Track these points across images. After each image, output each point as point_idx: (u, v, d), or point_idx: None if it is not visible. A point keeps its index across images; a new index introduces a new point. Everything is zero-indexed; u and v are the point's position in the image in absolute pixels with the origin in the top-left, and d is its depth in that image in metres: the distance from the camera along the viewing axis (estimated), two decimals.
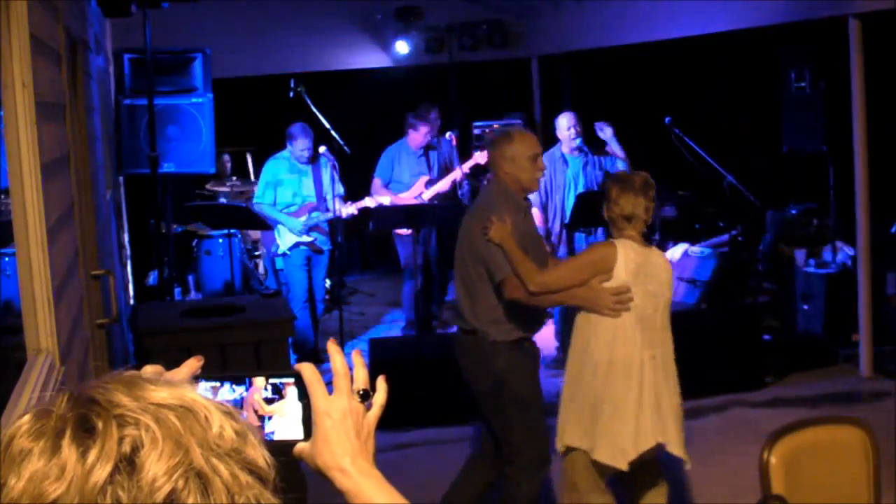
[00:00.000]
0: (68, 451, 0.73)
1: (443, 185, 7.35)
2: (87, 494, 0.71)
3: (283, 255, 7.05)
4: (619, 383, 3.69)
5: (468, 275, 4.03)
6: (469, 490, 4.29)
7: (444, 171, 7.49)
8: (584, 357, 3.79)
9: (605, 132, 7.01)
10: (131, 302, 6.97)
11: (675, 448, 3.76)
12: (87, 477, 0.72)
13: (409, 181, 7.35)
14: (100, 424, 0.74)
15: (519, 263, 3.75)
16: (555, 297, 3.83)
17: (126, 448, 0.73)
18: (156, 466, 0.73)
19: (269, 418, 1.16)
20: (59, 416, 0.75)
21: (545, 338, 7.61)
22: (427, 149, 7.43)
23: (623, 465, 3.69)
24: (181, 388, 0.81)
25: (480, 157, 7.27)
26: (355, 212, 7.04)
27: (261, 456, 0.80)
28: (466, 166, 7.37)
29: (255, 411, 1.15)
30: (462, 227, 4.07)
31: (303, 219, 6.96)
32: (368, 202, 7.07)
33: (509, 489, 4.11)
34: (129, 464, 0.73)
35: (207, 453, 0.75)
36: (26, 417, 0.77)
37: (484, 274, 3.95)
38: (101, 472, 0.72)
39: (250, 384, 1.16)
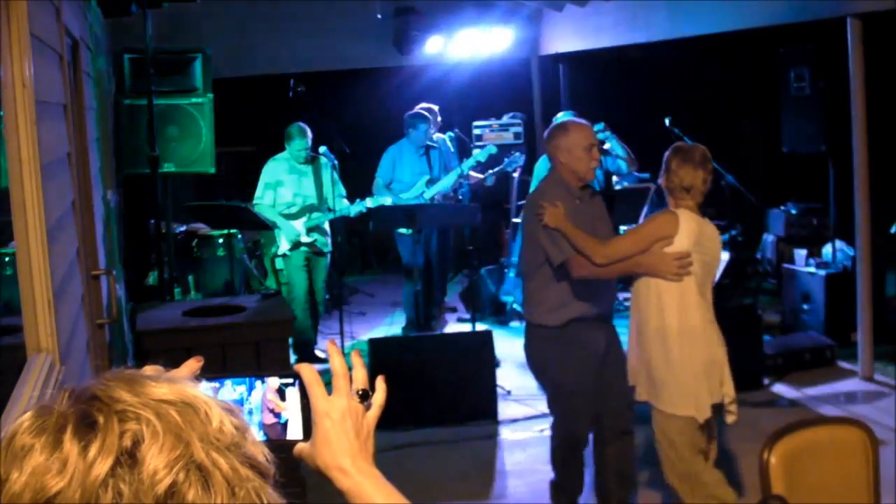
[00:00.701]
0: (70, 445, 0.74)
1: (444, 184, 7.34)
2: (88, 488, 0.72)
3: (283, 255, 7.05)
4: (688, 346, 3.83)
5: (524, 263, 4.22)
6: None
7: (445, 170, 7.49)
8: (650, 322, 3.90)
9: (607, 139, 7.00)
10: (131, 302, 6.97)
11: (732, 402, 3.98)
12: (88, 471, 0.72)
13: (410, 181, 7.35)
14: (101, 419, 0.75)
15: (580, 240, 3.89)
16: (620, 266, 3.92)
17: (127, 442, 0.74)
18: (156, 459, 0.73)
19: (283, 416, 1.16)
20: (61, 413, 0.76)
21: None
22: (428, 148, 7.42)
23: (702, 417, 3.86)
24: (182, 384, 0.81)
25: (480, 156, 7.27)
26: (364, 210, 7.03)
27: (260, 452, 0.81)
28: (467, 167, 7.36)
29: (271, 410, 1.16)
30: (524, 214, 4.27)
31: (301, 221, 6.95)
32: (370, 203, 7.07)
33: (553, 486, 4.35)
34: (130, 457, 0.73)
35: (208, 447, 0.76)
36: (28, 414, 0.78)
37: (539, 259, 4.07)
38: (103, 466, 0.72)
39: (251, 385, 1.16)
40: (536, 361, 4.25)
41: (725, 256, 7.39)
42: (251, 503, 0.77)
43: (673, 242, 3.82)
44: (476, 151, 7.44)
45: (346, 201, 6.99)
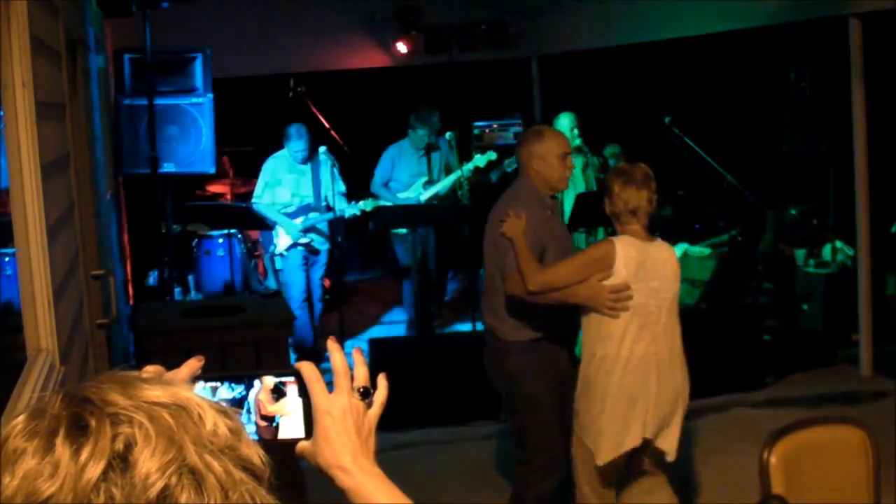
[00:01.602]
0: (61, 449, 0.73)
1: (441, 186, 7.31)
2: (80, 492, 0.72)
3: (281, 255, 7.06)
4: (616, 379, 3.69)
5: (489, 271, 4.08)
6: None
7: (446, 171, 7.47)
8: (590, 353, 3.79)
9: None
10: (131, 302, 6.97)
11: (664, 443, 3.78)
12: (80, 474, 0.72)
13: (408, 181, 7.34)
14: (93, 423, 0.75)
15: (523, 261, 3.71)
16: (555, 296, 3.78)
17: (119, 445, 0.74)
18: (149, 463, 0.73)
19: (279, 417, 1.16)
20: (53, 416, 0.76)
21: None
22: (429, 149, 7.39)
23: (601, 461, 3.72)
24: (176, 386, 0.81)
25: (480, 161, 7.23)
26: (358, 213, 7.02)
27: (255, 453, 0.81)
28: (467, 171, 7.31)
29: (259, 411, 1.15)
30: (489, 223, 4.10)
31: (300, 221, 6.96)
32: (363, 206, 7.06)
33: (518, 490, 4.10)
34: (122, 461, 0.73)
35: (201, 450, 0.76)
36: (21, 417, 0.78)
37: (500, 272, 3.97)
38: (94, 470, 0.72)
39: (250, 385, 1.16)
40: (507, 374, 4.04)
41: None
42: None
43: (612, 274, 3.68)
44: (476, 156, 7.38)
45: (345, 199, 6.99)
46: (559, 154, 3.97)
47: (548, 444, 4.01)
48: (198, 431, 0.77)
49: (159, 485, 0.73)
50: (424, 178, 7.33)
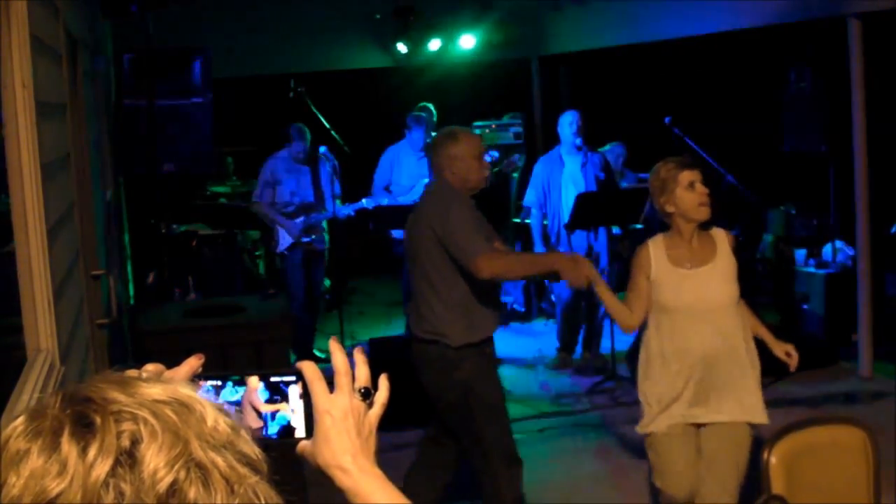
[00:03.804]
0: (68, 447, 0.73)
1: None
2: (89, 489, 0.72)
3: (281, 255, 7.06)
4: (656, 373, 3.66)
5: (429, 277, 3.92)
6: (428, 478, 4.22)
7: None
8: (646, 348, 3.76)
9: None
10: (131, 302, 6.97)
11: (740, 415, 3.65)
12: (88, 472, 0.72)
13: (408, 183, 7.31)
14: (98, 420, 0.75)
15: (613, 308, 3.74)
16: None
17: (125, 442, 0.74)
18: (156, 458, 0.73)
19: (273, 416, 1.16)
20: (55, 416, 0.76)
21: (546, 339, 7.63)
22: (429, 150, 7.34)
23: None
24: (175, 384, 0.82)
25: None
26: (352, 213, 7.01)
27: (252, 450, 0.81)
28: None
29: (255, 409, 1.15)
30: (416, 231, 3.97)
31: (300, 220, 6.96)
32: (366, 202, 7.06)
33: (489, 500, 4.05)
34: (129, 457, 0.73)
35: (205, 446, 0.76)
36: (20, 419, 0.78)
37: (446, 273, 3.86)
38: (103, 467, 0.72)
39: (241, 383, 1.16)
40: (459, 383, 3.92)
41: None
42: (249, 501, 0.77)
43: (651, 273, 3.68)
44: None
45: (339, 202, 6.98)
46: (476, 155, 3.97)
47: (506, 446, 3.99)
48: (200, 428, 0.77)
49: (168, 479, 0.73)
50: (426, 180, 7.25)
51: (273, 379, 1.16)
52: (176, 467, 0.74)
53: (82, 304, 3.29)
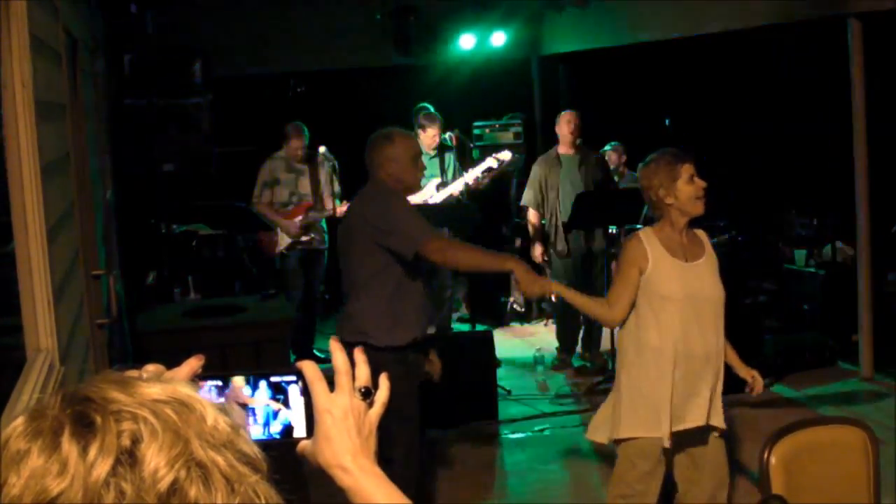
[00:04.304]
0: (68, 446, 0.74)
1: (452, 189, 7.12)
2: (90, 489, 0.72)
3: (280, 254, 7.05)
4: (653, 370, 3.60)
5: (357, 276, 3.94)
6: None
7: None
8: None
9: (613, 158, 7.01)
10: (131, 302, 6.96)
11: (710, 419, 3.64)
12: (89, 472, 0.72)
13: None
14: (98, 420, 0.75)
15: (588, 307, 3.81)
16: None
17: (126, 441, 0.74)
18: (157, 458, 0.74)
19: (275, 415, 1.16)
20: (55, 416, 0.76)
21: (546, 339, 7.63)
22: (442, 149, 7.26)
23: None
24: (174, 384, 0.82)
25: (492, 161, 7.04)
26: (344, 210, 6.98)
27: (252, 449, 0.82)
28: (480, 171, 7.10)
29: (240, 404, 1.15)
30: (348, 233, 3.99)
31: (298, 220, 6.95)
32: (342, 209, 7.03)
33: None
34: (130, 457, 0.73)
35: (205, 445, 0.76)
36: (20, 419, 0.78)
37: (376, 270, 3.87)
38: (104, 466, 0.73)
39: (257, 386, 1.16)
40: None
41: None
42: (249, 500, 0.77)
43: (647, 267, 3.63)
44: (489, 157, 7.20)
45: (333, 201, 6.97)
46: (412, 156, 3.97)
47: (415, 456, 4.03)
48: (200, 427, 0.77)
49: (169, 478, 0.73)
50: (435, 180, 7.16)
51: (273, 379, 1.16)
52: (176, 466, 0.74)
53: (82, 304, 3.29)
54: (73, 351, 2.81)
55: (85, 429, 0.75)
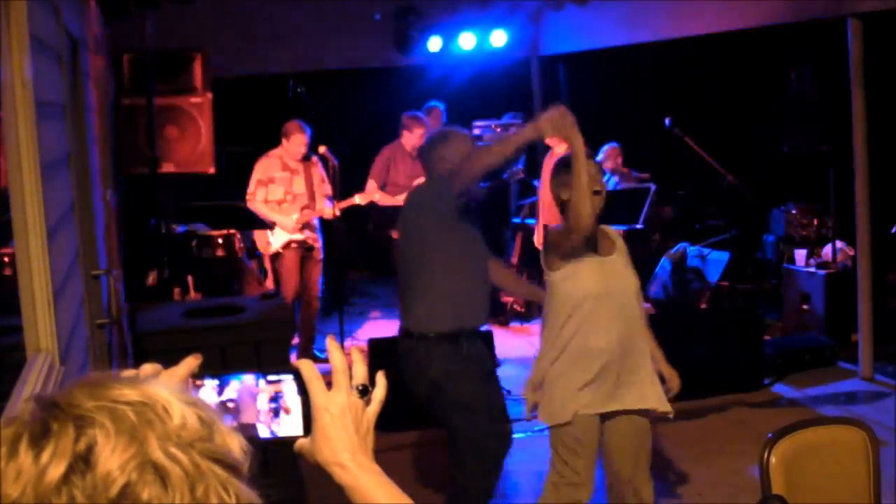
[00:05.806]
0: (24, 454, 0.74)
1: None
2: (41, 494, 0.72)
3: (277, 253, 7.06)
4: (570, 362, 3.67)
5: (408, 268, 4.01)
6: None
7: None
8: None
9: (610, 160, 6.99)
10: (131, 302, 6.97)
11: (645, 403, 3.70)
12: (41, 476, 0.73)
13: (405, 183, 7.20)
14: (55, 426, 0.75)
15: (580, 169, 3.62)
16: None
17: (81, 447, 0.74)
18: (110, 461, 0.74)
19: (276, 414, 1.16)
20: (22, 422, 0.77)
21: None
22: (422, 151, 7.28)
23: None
24: (145, 384, 0.81)
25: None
26: (338, 213, 6.98)
27: (234, 443, 0.81)
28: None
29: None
30: (404, 224, 4.06)
31: (294, 215, 6.95)
32: (358, 199, 7.05)
33: (455, 498, 4.09)
34: (84, 462, 0.74)
35: (166, 444, 0.76)
36: None
37: (424, 259, 3.92)
38: (55, 471, 0.73)
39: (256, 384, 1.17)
40: (420, 379, 3.96)
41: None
42: (216, 500, 0.76)
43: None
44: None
45: (324, 202, 6.98)
46: (465, 154, 3.98)
47: (481, 451, 4.02)
48: (164, 426, 0.77)
49: (120, 482, 0.73)
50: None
51: (271, 377, 1.16)
52: (128, 469, 0.74)
53: (82, 304, 3.29)
54: (73, 351, 2.81)
55: (41, 435, 0.75)
